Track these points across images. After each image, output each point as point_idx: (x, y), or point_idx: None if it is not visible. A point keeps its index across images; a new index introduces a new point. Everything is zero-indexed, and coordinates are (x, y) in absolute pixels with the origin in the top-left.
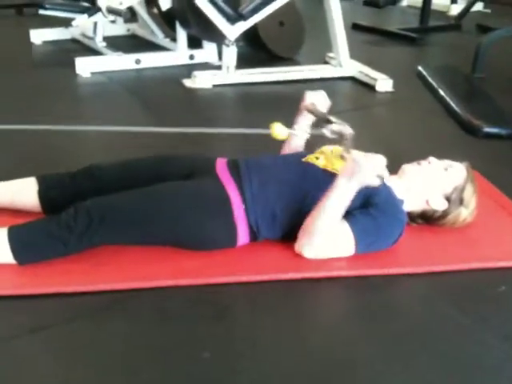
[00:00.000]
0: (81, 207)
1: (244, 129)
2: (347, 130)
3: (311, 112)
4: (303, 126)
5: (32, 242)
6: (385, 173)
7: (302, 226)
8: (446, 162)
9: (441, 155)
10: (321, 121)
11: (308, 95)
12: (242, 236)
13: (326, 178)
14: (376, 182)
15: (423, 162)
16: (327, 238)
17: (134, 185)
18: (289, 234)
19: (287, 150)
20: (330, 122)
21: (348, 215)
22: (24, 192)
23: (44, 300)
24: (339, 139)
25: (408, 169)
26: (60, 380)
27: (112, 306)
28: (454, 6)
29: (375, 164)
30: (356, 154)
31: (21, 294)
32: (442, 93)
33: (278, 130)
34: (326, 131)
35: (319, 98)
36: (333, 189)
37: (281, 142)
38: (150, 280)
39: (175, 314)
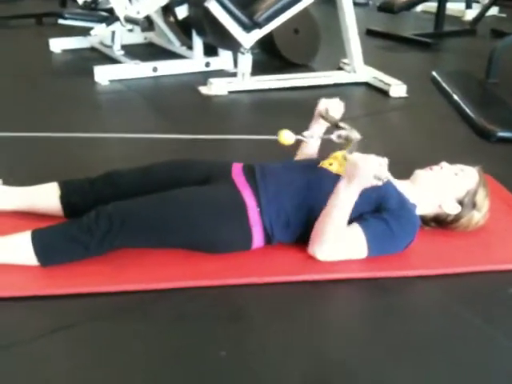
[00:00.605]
0: (102, 211)
1: (252, 136)
2: (354, 134)
3: (324, 118)
4: (314, 132)
5: (54, 244)
6: (384, 173)
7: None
8: (458, 167)
9: (454, 160)
10: (332, 127)
11: (322, 102)
12: (257, 239)
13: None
14: (376, 183)
15: (435, 167)
16: (339, 241)
17: (153, 190)
18: (302, 238)
19: (301, 156)
20: (339, 127)
21: (361, 219)
22: (46, 197)
23: (66, 301)
24: (346, 144)
25: (420, 174)
26: (81, 379)
27: (132, 306)
28: (468, 10)
29: (373, 165)
30: (355, 155)
31: (43, 294)
32: (455, 98)
33: (285, 136)
34: (334, 136)
35: (333, 104)
36: (335, 192)
37: (295, 149)
38: (170, 282)
39: (193, 315)
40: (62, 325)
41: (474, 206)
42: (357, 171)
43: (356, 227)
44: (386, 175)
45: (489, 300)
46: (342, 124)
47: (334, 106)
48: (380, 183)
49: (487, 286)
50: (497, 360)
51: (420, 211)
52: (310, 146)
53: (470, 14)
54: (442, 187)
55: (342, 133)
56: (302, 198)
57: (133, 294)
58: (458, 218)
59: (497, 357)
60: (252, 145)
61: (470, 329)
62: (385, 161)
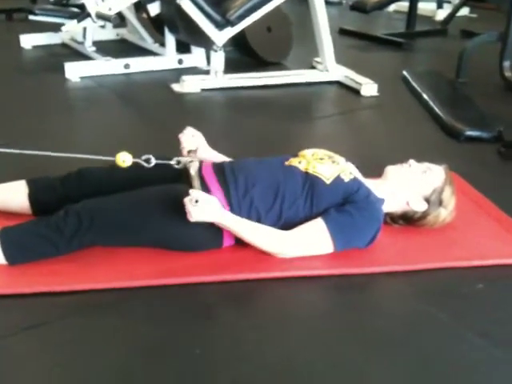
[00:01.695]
0: (71, 209)
1: (88, 155)
2: (192, 164)
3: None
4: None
5: (22, 242)
6: (197, 198)
7: None
8: (425, 165)
9: (424, 158)
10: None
11: (183, 149)
12: (228, 238)
13: (306, 182)
14: (203, 208)
15: (404, 165)
16: (300, 236)
17: (124, 187)
18: None
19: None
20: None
21: (324, 213)
22: (14, 195)
23: (35, 299)
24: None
25: (390, 170)
26: (54, 376)
27: (103, 304)
28: (440, 10)
29: (187, 204)
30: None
31: (12, 293)
32: (425, 97)
33: (122, 158)
34: (173, 162)
35: (186, 138)
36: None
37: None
38: (140, 279)
39: (165, 313)
40: (33, 323)
41: (440, 203)
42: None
43: (319, 221)
44: (198, 198)
45: (456, 296)
46: (192, 154)
47: (190, 140)
48: (204, 206)
49: (454, 283)
50: (464, 355)
51: (388, 208)
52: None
53: (442, 14)
54: (409, 184)
55: (182, 159)
56: (272, 195)
57: (103, 292)
58: (424, 215)
59: (463, 352)
60: (228, 143)
61: (438, 325)
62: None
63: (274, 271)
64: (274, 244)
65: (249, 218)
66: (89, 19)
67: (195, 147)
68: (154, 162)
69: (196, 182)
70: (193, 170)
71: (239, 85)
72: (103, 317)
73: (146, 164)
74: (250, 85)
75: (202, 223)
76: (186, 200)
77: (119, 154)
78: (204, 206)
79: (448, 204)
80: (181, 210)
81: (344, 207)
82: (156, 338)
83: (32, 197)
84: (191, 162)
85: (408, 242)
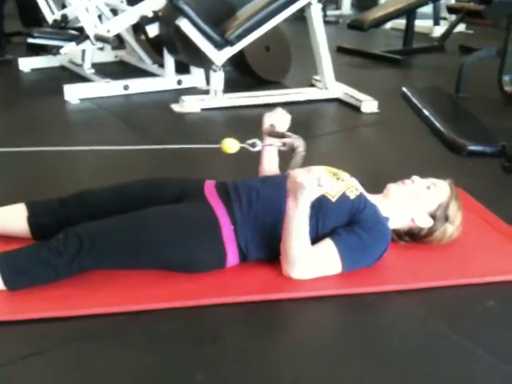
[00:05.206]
0: (71, 233)
1: (199, 145)
2: (299, 142)
3: (271, 135)
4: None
5: (22, 268)
6: (325, 181)
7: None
8: (430, 180)
9: (426, 174)
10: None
11: (265, 118)
12: (232, 257)
13: None
14: (321, 191)
15: (407, 181)
16: (312, 257)
17: (125, 209)
18: (278, 254)
19: (263, 174)
20: (284, 136)
21: (333, 233)
22: (13, 219)
23: (34, 326)
24: (291, 151)
25: (393, 188)
26: None
27: (104, 330)
28: (436, 27)
29: (313, 176)
30: (296, 172)
31: (10, 319)
32: (426, 113)
33: (229, 144)
34: (279, 144)
35: (277, 117)
36: (287, 212)
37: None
38: (143, 303)
39: (168, 337)
40: (31, 351)
41: (446, 219)
42: (299, 186)
43: (328, 242)
44: (326, 182)
45: (466, 314)
46: (287, 133)
47: (278, 120)
48: (323, 190)
49: (464, 300)
50: (477, 374)
51: (393, 225)
52: (269, 163)
53: (438, 31)
54: (414, 201)
55: (287, 141)
56: (277, 213)
57: (105, 316)
58: (431, 231)
59: (476, 371)
60: (225, 160)
61: (449, 344)
62: (322, 171)
63: (282, 292)
64: (303, 251)
65: (252, 234)
66: (87, 41)
67: (275, 123)
68: (259, 145)
69: (299, 159)
70: (301, 148)
71: (239, 104)
72: (103, 343)
73: (251, 148)
74: (250, 104)
75: (203, 242)
76: (313, 177)
77: (225, 140)
78: (312, 181)
79: (454, 219)
80: (183, 230)
81: (352, 227)
82: (158, 365)
83: (31, 220)
84: (297, 139)
85: (416, 259)
